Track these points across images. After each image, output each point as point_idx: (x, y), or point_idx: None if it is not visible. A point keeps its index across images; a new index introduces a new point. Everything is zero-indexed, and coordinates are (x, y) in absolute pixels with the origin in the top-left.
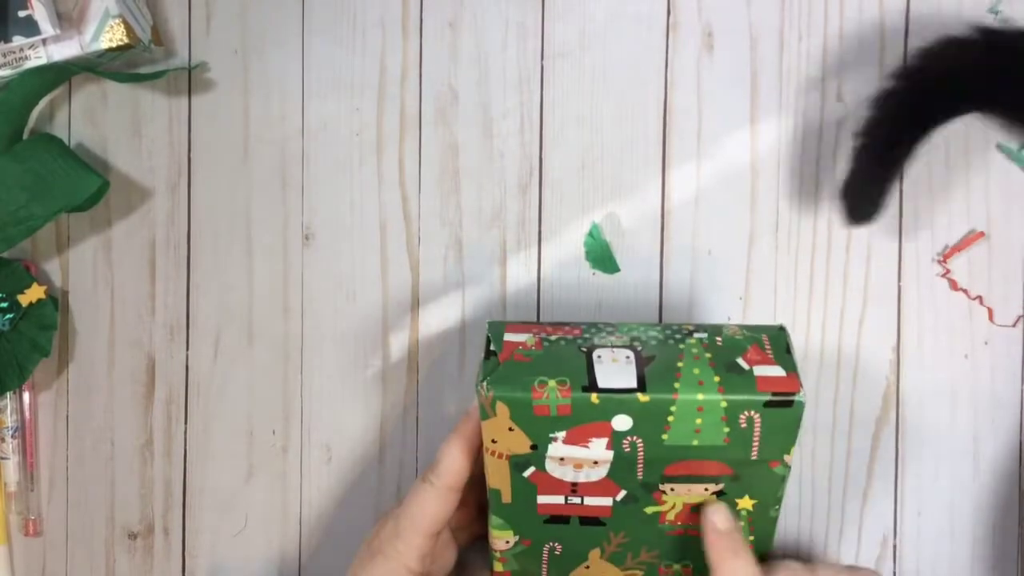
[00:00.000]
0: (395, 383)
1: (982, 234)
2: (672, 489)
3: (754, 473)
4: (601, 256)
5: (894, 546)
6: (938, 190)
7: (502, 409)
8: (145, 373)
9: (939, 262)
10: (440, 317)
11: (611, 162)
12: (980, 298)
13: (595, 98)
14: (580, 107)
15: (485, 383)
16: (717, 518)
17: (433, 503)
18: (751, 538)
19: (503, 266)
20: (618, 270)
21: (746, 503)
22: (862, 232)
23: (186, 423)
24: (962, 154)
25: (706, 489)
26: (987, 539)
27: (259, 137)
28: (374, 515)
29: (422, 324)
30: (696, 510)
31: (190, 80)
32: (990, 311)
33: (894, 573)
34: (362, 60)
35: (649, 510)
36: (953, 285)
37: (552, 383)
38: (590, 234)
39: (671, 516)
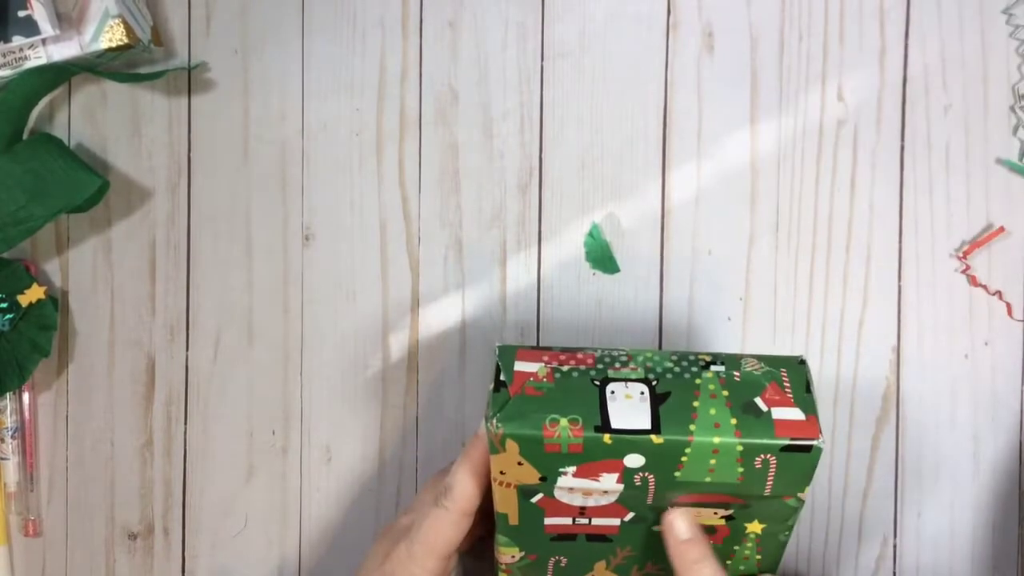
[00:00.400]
0: (395, 383)
1: (1002, 229)
2: None
3: (766, 504)
4: (601, 256)
5: (894, 546)
6: (938, 190)
7: (512, 445)
8: (145, 373)
9: (959, 258)
10: (440, 317)
11: (611, 162)
12: (999, 293)
13: (595, 98)
14: (580, 107)
15: (495, 420)
16: (680, 526)
17: (448, 528)
18: (758, 556)
19: (503, 266)
20: (618, 270)
21: (755, 527)
22: (862, 232)
23: (186, 423)
24: (962, 155)
25: (715, 513)
26: (987, 539)
27: (259, 137)
28: (374, 515)
29: (422, 324)
30: (706, 531)
31: (190, 80)
32: (1008, 307)
33: (894, 573)
34: (362, 60)
35: (657, 528)
36: (973, 280)
37: (564, 422)
38: (590, 234)
39: None
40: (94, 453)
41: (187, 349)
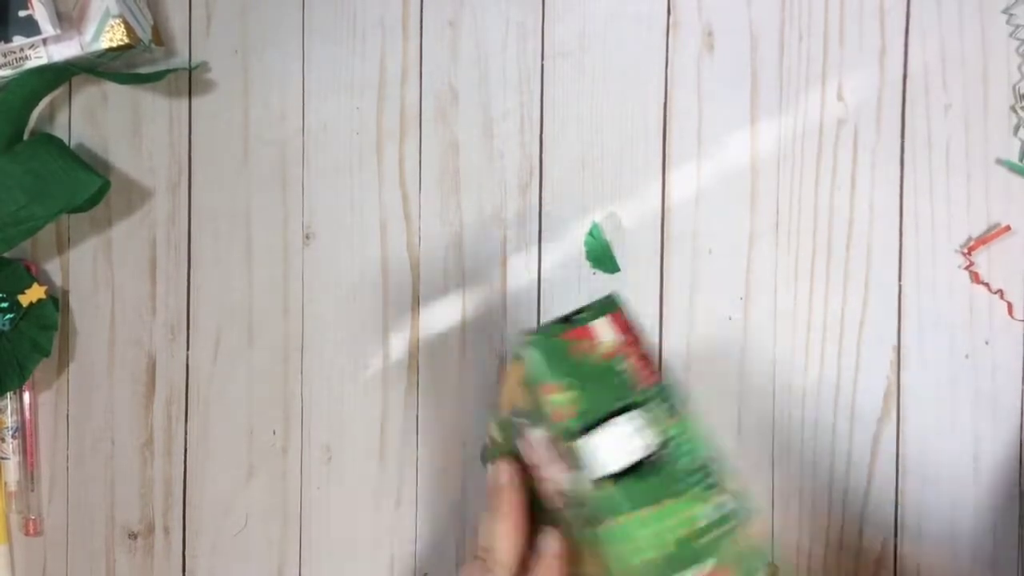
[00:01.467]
0: (395, 383)
1: (1008, 228)
2: None
3: None
4: (601, 256)
5: (894, 546)
6: (938, 190)
7: (517, 368)
8: (145, 373)
9: (963, 254)
10: (440, 317)
11: (611, 162)
12: (1001, 292)
13: (595, 98)
14: (580, 107)
15: (528, 335)
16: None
17: None
18: None
19: (503, 266)
20: (618, 270)
21: None
22: (862, 231)
23: (186, 423)
24: (962, 155)
25: None
26: (987, 539)
27: (259, 137)
28: (374, 515)
29: (422, 324)
30: None
31: (190, 80)
32: (1009, 305)
33: (894, 573)
34: (362, 60)
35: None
36: (975, 278)
37: (571, 394)
38: (590, 234)
39: None
40: (94, 452)
41: (187, 349)
